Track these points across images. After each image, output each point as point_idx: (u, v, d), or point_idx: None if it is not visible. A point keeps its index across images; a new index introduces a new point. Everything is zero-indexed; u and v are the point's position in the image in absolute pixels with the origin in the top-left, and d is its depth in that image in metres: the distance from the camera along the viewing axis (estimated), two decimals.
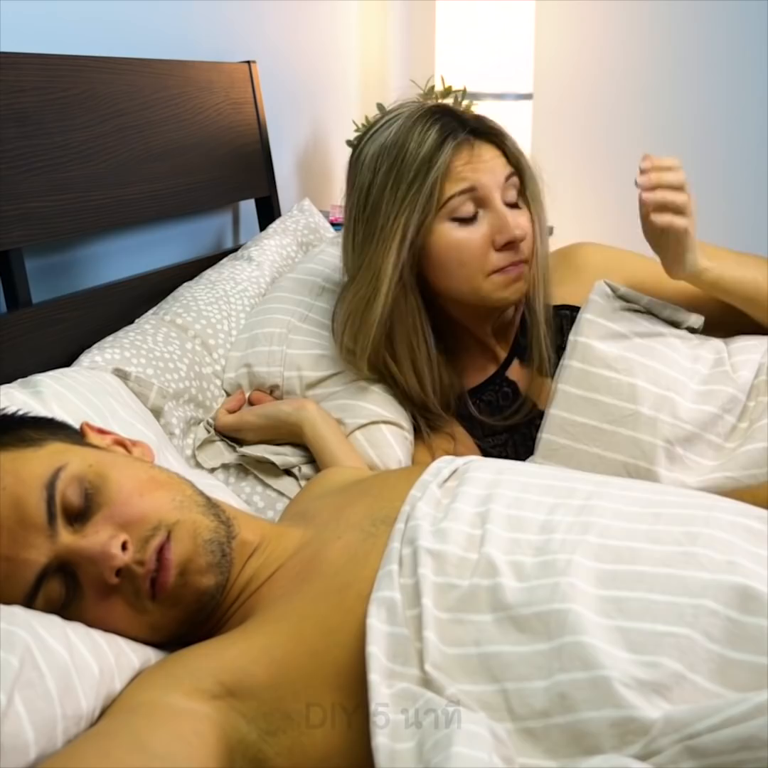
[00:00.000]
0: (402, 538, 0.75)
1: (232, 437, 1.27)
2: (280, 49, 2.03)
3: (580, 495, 0.77)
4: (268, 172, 1.85)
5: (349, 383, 1.27)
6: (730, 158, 2.27)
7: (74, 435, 0.87)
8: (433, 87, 2.03)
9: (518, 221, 1.16)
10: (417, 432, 1.27)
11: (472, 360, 1.28)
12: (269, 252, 1.58)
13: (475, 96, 2.01)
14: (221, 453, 1.26)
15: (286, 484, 1.21)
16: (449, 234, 1.16)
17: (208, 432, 1.27)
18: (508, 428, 1.24)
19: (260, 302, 1.44)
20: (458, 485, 0.81)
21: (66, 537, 0.74)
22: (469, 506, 0.77)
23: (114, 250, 1.55)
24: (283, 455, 1.23)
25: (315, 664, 0.69)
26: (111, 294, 1.40)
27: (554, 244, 1.32)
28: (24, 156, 1.23)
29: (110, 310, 1.36)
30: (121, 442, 0.90)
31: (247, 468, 1.23)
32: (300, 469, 1.22)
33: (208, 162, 1.65)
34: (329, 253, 1.46)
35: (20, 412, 0.86)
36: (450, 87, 2.02)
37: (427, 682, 0.65)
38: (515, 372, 1.26)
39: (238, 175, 1.76)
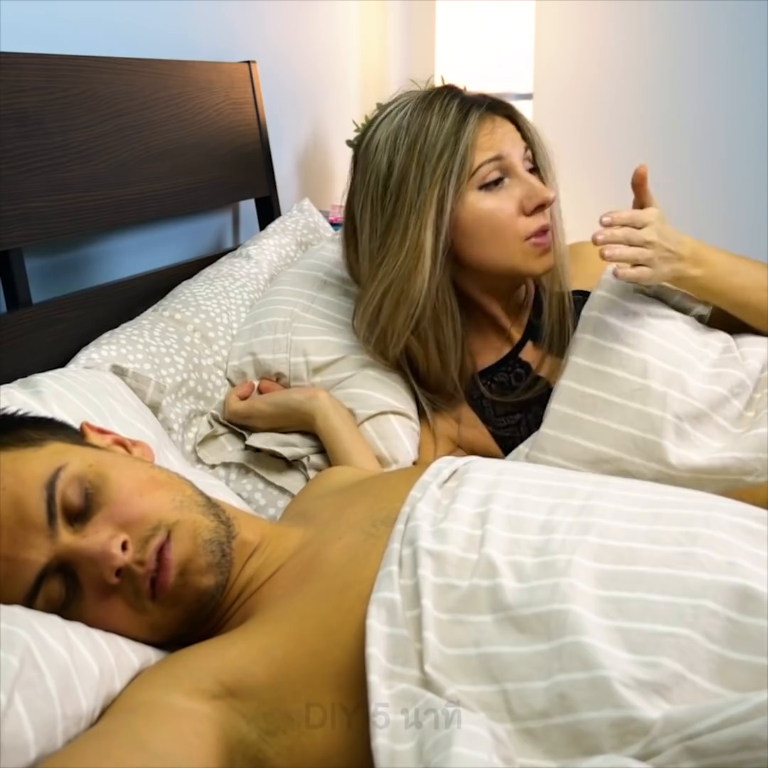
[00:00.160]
0: (402, 539, 0.75)
1: (240, 425, 1.27)
2: (280, 49, 2.03)
3: (580, 495, 0.77)
4: (268, 172, 1.85)
5: (357, 368, 1.27)
6: (730, 158, 2.27)
7: (74, 435, 0.87)
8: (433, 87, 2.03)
9: (544, 186, 1.18)
10: (420, 417, 1.27)
11: (485, 341, 1.28)
12: (268, 251, 1.58)
13: None
14: (223, 448, 1.26)
15: (289, 481, 1.21)
16: (479, 202, 1.16)
17: (212, 426, 1.27)
18: (522, 407, 1.24)
19: (262, 296, 1.45)
20: (458, 486, 0.81)
21: (66, 537, 0.74)
22: (469, 507, 0.77)
23: (114, 250, 1.55)
24: (292, 446, 1.23)
25: (315, 664, 0.69)
26: (111, 294, 1.40)
27: None
28: (24, 156, 1.23)
29: (110, 310, 1.36)
30: (121, 442, 0.90)
31: (247, 466, 1.23)
32: (308, 459, 1.22)
33: (208, 162, 1.65)
34: (329, 250, 1.47)
35: (20, 412, 0.86)
36: None
37: (426, 683, 0.65)
38: (529, 353, 1.27)
39: (238, 175, 1.76)
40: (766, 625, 0.62)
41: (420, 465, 1.21)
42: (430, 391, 1.27)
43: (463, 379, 1.26)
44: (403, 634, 0.67)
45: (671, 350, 1.11)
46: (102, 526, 0.75)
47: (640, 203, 1.14)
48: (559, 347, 1.22)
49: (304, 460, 1.22)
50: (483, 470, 0.84)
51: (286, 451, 1.21)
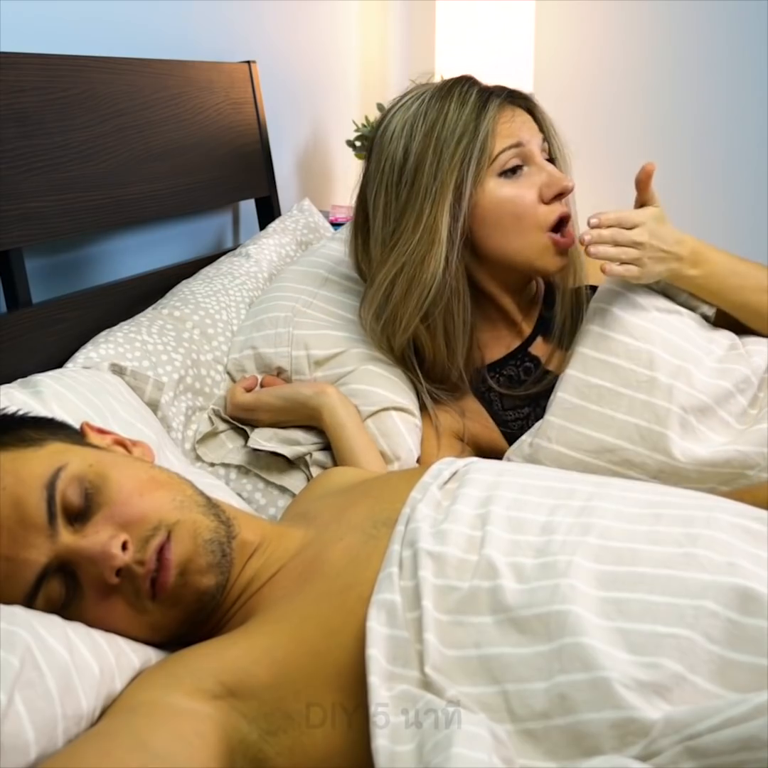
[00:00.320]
0: (402, 540, 0.75)
1: (242, 421, 1.26)
2: (280, 49, 2.03)
3: (581, 496, 0.77)
4: (268, 172, 1.85)
5: (359, 362, 1.26)
6: (730, 158, 2.27)
7: (74, 435, 0.87)
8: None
9: (563, 174, 1.18)
10: (422, 411, 1.26)
11: (495, 333, 1.28)
12: (267, 250, 1.58)
13: None
14: (223, 445, 1.25)
15: (289, 480, 1.21)
16: (499, 189, 1.16)
17: (212, 423, 1.26)
18: (530, 400, 1.24)
19: (263, 293, 1.45)
20: (458, 487, 0.81)
21: (66, 537, 0.74)
22: (470, 508, 0.77)
23: (114, 250, 1.55)
24: (295, 444, 1.22)
25: (316, 665, 0.69)
26: (111, 294, 1.40)
27: None
28: (24, 156, 1.23)
29: (110, 310, 1.36)
30: (121, 442, 0.90)
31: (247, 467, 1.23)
32: (311, 456, 1.22)
33: (208, 162, 1.65)
34: (331, 248, 1.47)
35: (20, 412, 0.86)
36: None
37: (427, 685, 0.65)
38: (539, 348, 1.27)
39: (238, 175, 1.76)
40: (767, 626, 0.62)
41: (422, 465, 1.21)
42: (433, 381, 1.26)
43: (468, 371, 1.25)
44: (404, 636, 0.67)
45: (678, 344, 1.12)
46: (102, 526, 0.75)
47: (641, 201, 1.15)
48: (569, 342, 1.22)
49: (307, 458, 1.22)
50: (483, 471, 0.84)
51: (288, 451, 1.21)
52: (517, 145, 1.16)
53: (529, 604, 0.67)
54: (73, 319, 1.29)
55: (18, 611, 0.70)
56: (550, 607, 0.66)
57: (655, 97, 2.32)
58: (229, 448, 1.25)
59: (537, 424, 1.16)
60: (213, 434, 1.26)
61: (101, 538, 0.74)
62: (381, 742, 0.61)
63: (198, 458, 1.23)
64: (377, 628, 0.67)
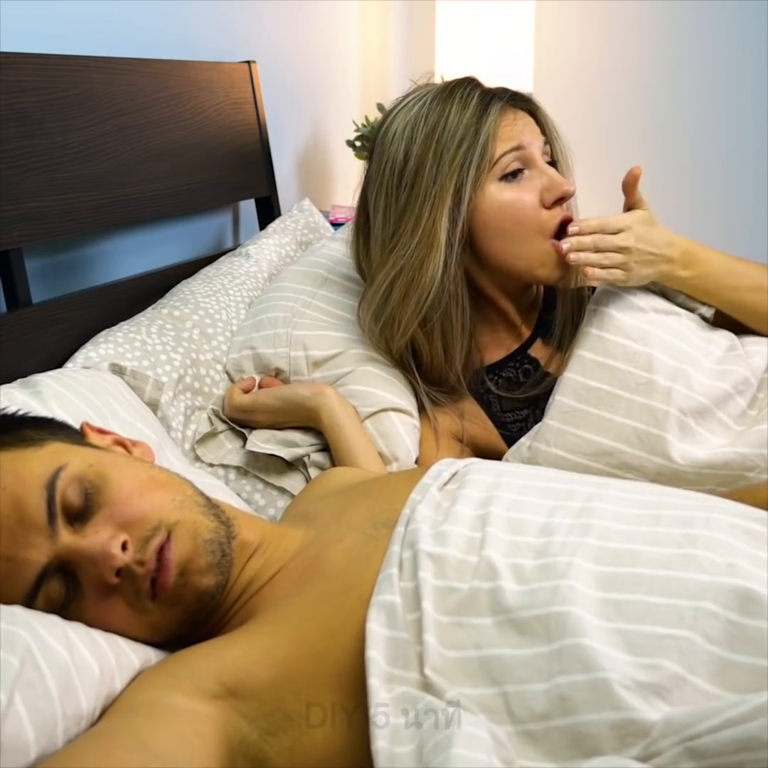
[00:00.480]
0: (402, 541, 0.75)
1: (241, 423, 1.26)
2: (280, 49, 2.03)
3: (580, 497, 0.77)
4: (268, 172, 1.85)
5: (357, 363, 1.26)
6: (730, 158, 2.27)
7: (74, 435, 0.87)
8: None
9: (564, 178, 1.17)
10: (421, 413, 1.26)
11: (494, 336, 1.28)
12: (267, 250, 1.58)
13: None
14: (222, 446, 1.25)
15: (288, 481, 1.21)
16: (500, 194, 1.15)
17: (212, 423, 1.26)
18: (529, 403, 1.24)
19: (262, 293, 1.44)
20: (458, 488, 0.81)
21: (66, 537, 0.74)
22: (469, 509, 0.77)
23: (114, 250, 1.55)
24: (292, 445, 1.22)
25: (316, 665, 0.69)
26: (111, 294, 1.40)
27: None
28: (24, 156, 1.23)
29: (110, 310, 1.36)
30: (121, 442, 0.90)
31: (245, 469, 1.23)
32: (309, 457, 1.22)
33: (208, 162, 1.65)
34: (331, 248, 1.46)
35: (20, 412, 0.86)
36: None
37: (426, 686, 0.65)
38: (538, 350, 1.27)
39: (238, 175, 1.76)
40: (766, 627, 0.62)
41: (421, 466, 1.21)
42: (431, 384, 1.26)
43: (467, 373, 1.24)
44: (404, 637, 0.67)
45: (676, 346, 1.12)
46: (102, 526, 0.75)
47: (628, 205, 1.15)
48: (569, 344, 1.21)
49: (305, 459, 1.22)
50: (483, 472, 0.84)
51: (286, 453, 1.21)
52: (518, 148, 1.15)
53: (529, 606, 0.67)
54: (73, 319, 1.29)
55: (18, 611, 0.70)
56: (550, 608, 0.66)
57: (655, 97, 2.32)
58: (228, 448, 1.25)
59: (535, 427, 1.15)
60: (212, 435, 1.26)
61: (101, 538, 0.74)
62: (381, 743, 0.61)
63: (197, 458, 1.23)
64: (377, 630, 0.67)
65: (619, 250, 1.09)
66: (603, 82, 2.37)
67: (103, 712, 0.70)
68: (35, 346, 1.22)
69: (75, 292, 1.37)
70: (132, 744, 0.63)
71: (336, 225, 1.84)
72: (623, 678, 0.61)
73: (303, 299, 1.34)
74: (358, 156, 2.12)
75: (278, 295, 1.38)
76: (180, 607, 0.77)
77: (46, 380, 1.05)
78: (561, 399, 1.13)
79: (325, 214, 1.91)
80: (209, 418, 1.27)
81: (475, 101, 1.15)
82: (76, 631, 0.72)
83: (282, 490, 1.21)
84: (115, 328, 1.28)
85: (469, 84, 1.19)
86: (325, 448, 1.22)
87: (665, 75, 2.31)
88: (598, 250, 1.09)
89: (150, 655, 0.78)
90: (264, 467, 1.23)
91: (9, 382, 1.06)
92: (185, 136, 1.58)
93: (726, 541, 0.69)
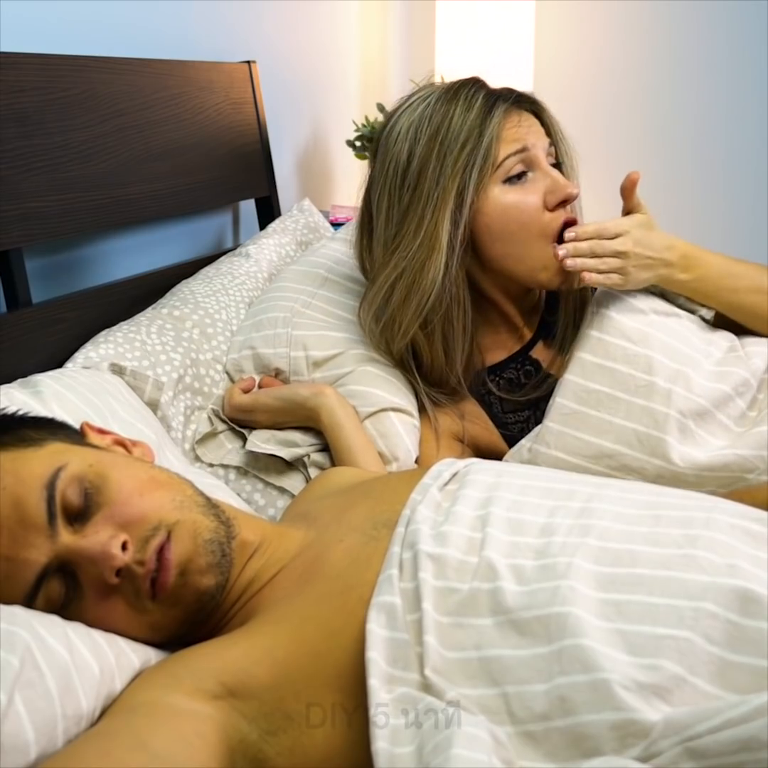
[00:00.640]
0: (402, 542, 0.75)
1: (240, 424, 1.26)
2: (280, 49, 2.03)
3: (580, 497, 0.77)
4: (268, 172, 1.85)
5: (357, 363, 1.25)
6: (730, 158, 2.27)
7: (74, 435, 0.87)
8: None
9: (568, 181, 1.17)
10: (421, 413, 1.26)
11: (496, 337, 1.27)
12: (267, 250, 1.58)
13: None
14: (222, 446, 1.25)
15: (288, 481, 1.21)
16: (503, 196, 1.14)
17: (212, 423, 1.26)
18: (531, 404, 1.24)
19: (262, 293, 1.44)
20: (458, 488, 0.81)
21: (66, 537, 0.74)
22: (469, 509, 0.77)
23: (114, 250, 1.55)
24: (292, 445, 1.22)
25: (316, 666, 0.69)
26: (111, 294, 1.40)
27: None
28: (24, 156, 1.23)
29: (110, 310, 1.36)
30: (121, 442, 0.90)
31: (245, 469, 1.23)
32: (309, 457, 1.22)
33: (208, 162, 1.65)
34: (331, 248, 1.46)
35: (20, 412, 0.86)
36: None
37: (427, 687, 0.65)
38: (540, 352, 1.26)
39: (238, 175, 1.76)
40: (767, 628, 0.62)
41: (421, 466, 1.21)
42: (431, 385, 1.26)
43: (467, 375, 1.24)
44: (404, 638, 0.67)
45: (676, 347, 1.12)
46: (102, 526, 0.75)
47: (627, 209, 1.15)
48: (571, 346, 1.21)
49: (305, 459, 1.22)
50: (483, 472, 0.84)
51: (286, 453, 1.21)
52: (523, 150, 1.15)
53: (529, 606, 0.67)
54: (73, 319, 1.29)
55: (18, 611, 0.70)
56: (550, 608, 0.66)
57: (655, 97, 2.32)
58: (228, 448, 1.25)
59: (536, 429, 1.15)
60: (212, 435, 1.26)
61: (101, 538, 0.74)
62: (381, 744, 0.61)
63: (197, 458, 1.23)
64: (377, 631, 0.67)
65: (617, 254, 1.09)
66: (603, 82, 2.37)
67: (103, 712, 0.70)
68: (35, 346, 1.22)
69: (75, 292, 1.37)
70: (132, 744, 0.63)
71: (336, 225, 1.84)
72: (623, 678, 0.61)
73: (303, 299, 1.34)
74: (358, 156, 2.12)
75: (278, 295, 1.38)
76: (180, 607, 0.77)
77: (46, 380, 1.05)
78: (561, 401, 1.13)
79: (325, 214, 1.91)
80: (209, 418, 1.27)
81: (480, 103, 1.15)
82: (76, 631, 0.72)
83: (282, 490, 1.21)
84: (115, 328, 1.28)
85: (473, 85, 1.18)
86: (325, 448, 1.22)
87: (665, 75, 2.31)
88: (595, 255, 1.09)
89: (150, 655, 0.78)
90: (264, 467, 1.22)
91: (9, 382, 1.06)
92: (185, 136, 1.58)
93: (726, 541, 0.69)
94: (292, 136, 2.12)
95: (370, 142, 2.02)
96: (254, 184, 1.82)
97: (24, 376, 1.08)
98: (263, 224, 1.81)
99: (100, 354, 1.19)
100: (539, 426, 1.15)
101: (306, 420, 1.23)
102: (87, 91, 1.36)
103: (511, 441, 1.22)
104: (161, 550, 0.75)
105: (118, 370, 1.17)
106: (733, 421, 1.10)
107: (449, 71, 2.08)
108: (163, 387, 1.20)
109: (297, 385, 1.27)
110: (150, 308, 1.39)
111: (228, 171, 1.72)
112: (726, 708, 0.57)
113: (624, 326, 1.13)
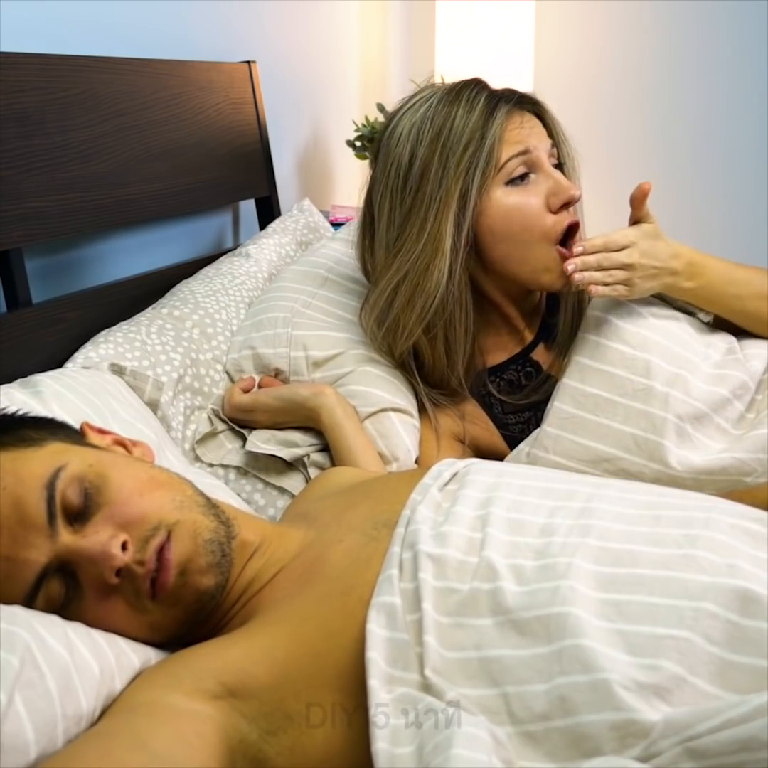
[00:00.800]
0: (402, 542, 0.75)
1: (240, 424, 1.26)
2: (280, 49, 2.03)
3: (580, 497, 0.77)
4: (268, 172, 1.85)
5: (357, 363, 1.25)
6: (730, 158, 2.27)
7: (74, 435, 0.87)
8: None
9: (570, 182, 1.16)
10: (421, 413, 1.26)
11: (497, 339, 1.27)
12: (267, 250, 1.58)
13: None
14: (222, 446, 1.25)
15: (288, 481, 1.21)
16: (505, 198, 1.14)
17: (212, 423, 1.26)
18: (532, 405, 1.24)
19: (262, 293, 1.44)
20: (458, 488, 0.81)
21: (66, 537, 0.74)
22: (469, 509, 0.77)
23: (114, 250, 1.55)
24: (292, 445, 1.22)
25: (316, 666, 0.69)
26: (111, 294, 1.40)
27: None
28: (24, 156, 1.23)
29: (110, 310, 1.36)
30: (121, 442, 0.90)
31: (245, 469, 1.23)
32: (309, 457, 1.22)
33: (208, 162, 1.65)
34: (331, 248, 1.46)
35: (20, 412, 0.86)
36: None
37: (427, 687, 0.65)
38: (540, 354, 1.26)
39: (238, 175, 1.76)
40: (767, 628, 0.62)
41: (422, 466, 1.21)
42: (432, 386, 1.26)
43: (468, 376, 1.24)
44: (404, 638, 0.67)
45: (674, 351, 1.11)
46: (102, 526, 0.75)
47: (635, 218, 1.14)
48: (567, 347, 1.21)
49: (305, 459, 1.22)
50: (483, 472, 0.84)
51: (286, 453, 1.21)
52: (525, 152, 1.14)
53: (529, 606, 0.67)
54: (73, 319, 1.29)
55: (18, 611, 0.70)
56: (550, 609, 0.66)
57: (655, 97, 2.32)
58: (228, 448, 1.25)
59: (534, 433, 1.15)
60: (212, 435, 1.26)
61: (101, 538, 0.74)
62: (381, 744, 0.61)
63: (197, 458, 1.23)
64: (377, 631, 0.67)
65: (623, 267, 1.08)
66: (603, 82, 2.37)
67: (103, 712, 0.70)
68: (35, 346, 1.22)
69: (75, 292, 1.37)
70: (132, 744, 0.63)
71: (336, 225, 1.84)
72: (623, 679, 0.61)
73: (303, 299, 1.34)
74: (358, 156, 2.12)
75: (278, 295, 1.37)
76: (180, 607, 0.77)
77: (46, 380, 1.05)
78: (559, 405, 1.13)
79: (325, 214, 1.91)
80: (209, 418, 1.27)
81: (482, 104, 1.14)
82: (76, 631, 0.72)
83: (282, 490, 1.21)
84: (115, 328, 1.28)
85: (475, 86, 1.18)
86: (325, 448, 1.22)
87: (665, 75, 2.31)
88: (602, 268, 1.09)
89: (150, 655, 0.78)
90: (264, 467, 1.22)
91: (9, 382, 1.06)
92: (185, 136, 1.58)
93: (726, 541, 0.69)
94: (292, 136, 2.12)
95: (371, 142, 2.02)
96: (254, 184, 1.82)
97: (24, 376, 1.08)
98: (263, 224, 1.81)
99: (100, 354, 1.19)
100: (537, 430, 1.15)
101: (306, 420, 1.23)
102: (87, 91, 1.36)
103: (512, 442, 1.22)
104: (161, 550, 0.75)
105: (118, 370, 1.17)
106: (731, 424, 1.10)
107: (449, 71, 2.08)
108: (163, 387, 1.20)
109: (297, 385, 1.27)
110: (150, 308, 1.39)
111: (228, 171, 1.72)
112: (726, 708, 0.57)
113: (622, 330, 1.12)
